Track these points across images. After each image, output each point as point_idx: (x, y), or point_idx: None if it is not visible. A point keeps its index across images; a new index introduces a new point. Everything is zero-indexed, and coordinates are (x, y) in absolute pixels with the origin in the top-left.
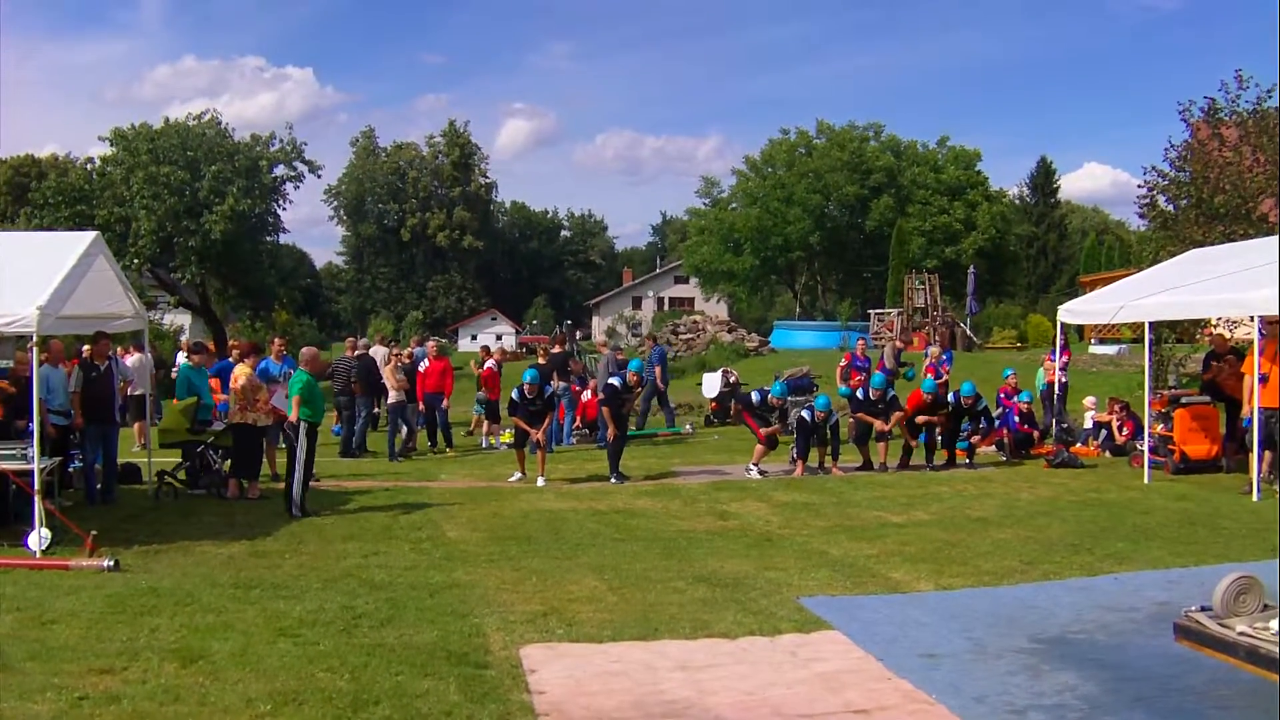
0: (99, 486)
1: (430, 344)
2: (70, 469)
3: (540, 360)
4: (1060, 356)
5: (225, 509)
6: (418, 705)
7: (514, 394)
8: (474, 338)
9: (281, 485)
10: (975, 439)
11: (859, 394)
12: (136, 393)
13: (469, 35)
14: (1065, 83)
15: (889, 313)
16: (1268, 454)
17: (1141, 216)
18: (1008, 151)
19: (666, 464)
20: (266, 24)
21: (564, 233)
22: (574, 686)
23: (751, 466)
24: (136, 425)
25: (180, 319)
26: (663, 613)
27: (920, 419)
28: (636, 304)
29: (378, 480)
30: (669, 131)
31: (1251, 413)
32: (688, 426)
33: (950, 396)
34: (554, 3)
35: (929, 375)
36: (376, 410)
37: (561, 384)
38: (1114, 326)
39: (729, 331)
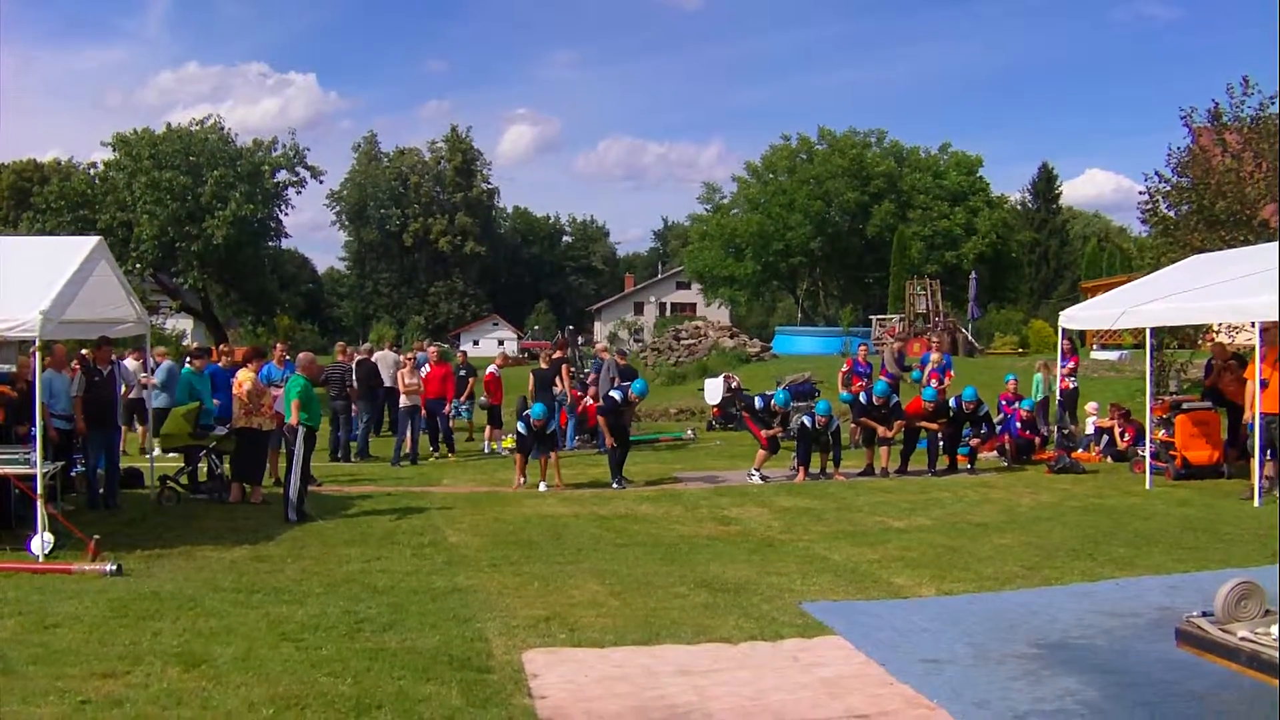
0: (101, 491)
1: (432, 349)
2: (72, 473)
3: (542, 365)
4: (1067, 362)
5: (227, 514)
6: (420, 710)
7: (520, 426)
8: (476, 343)
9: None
10: (976, 444)
11: (861, 399)
12: (138, 397)
13: (472, 42)
14: (1067, 89)
15: (890, 318)
16: (1269, 460)
17: (1144, 222)
18: (1010, 158)
19: (668, 469)
20: (269, 30)
21: (566, 238)
22: (576, 691)
23: (753, 472)
24: (141, 429)
25: (182, 324)
26: (664, 617)
27: (920, 425)
28: (638, 309)
29: (380, 485)
30: (671, 138)
31: (1253, 418)
32: (689, 432)
33: (951, 402)
34: (557, 10)
35: (932, 380)
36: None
37: (562, 390)
38: (1115, 332)
39: (731, 337)
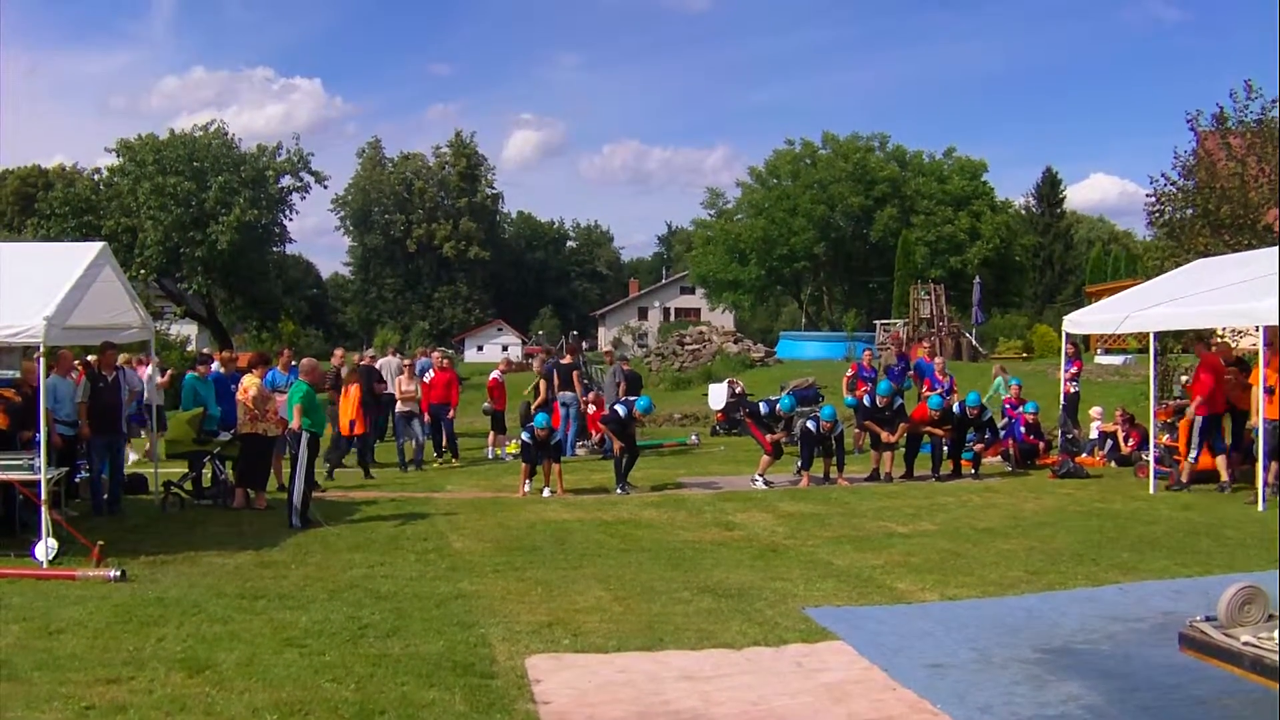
0: (105, 497)
1: (436, 354)
2: (76, 479)
3: (536, 368)
4: (1070, 366)
5: (232, 519)
6: (423, 716)
7: (525, 436)
8: (480, 348)
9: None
10: (980, 449)
11: (865, 401)
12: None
13: (477, 46)
14: (1072, 93)
15: (894, 323)
16: (1273, 464)
17: (1149, 224)
18: (1014, 162)
19: (672, 475)
20: (274, 35)
21: (570, 243)
22: (579, 697)
23: (757, 477)
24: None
25: (187, 329)
26: (668, 623)
27: (924, 430)
28: (643, 314)
29: (384, 491)
30: (676, 143)
31: (1258, 423)
32: (693, 437)
33: (955, 407)
34: (562, 14)
35: (939, 384)
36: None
37: (571, 394)
38: (1120, 337)
39: (735, 342)
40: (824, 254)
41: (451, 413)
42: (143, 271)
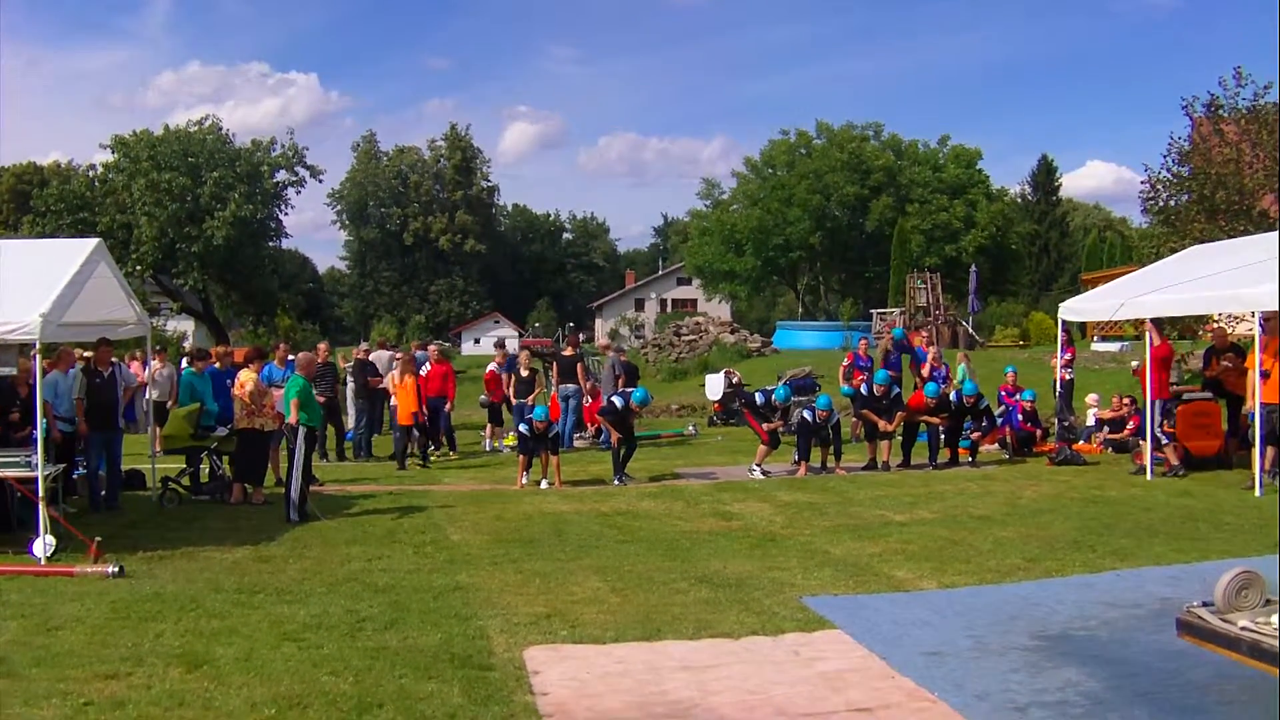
0: (103, 493)
1: (432, 348)
2: (74, 476)
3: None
4: (1064, 354)
5: (229, 514)
6: (421, 708)
7: (523, 428)
8: (477, 341)
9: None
10: (977, 437)
11: (862, 390)
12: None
13: (473, 39)
14: (1067, 81)
15: (891, 312)
16: (1270, 449)
17: (1145, 211)
18: (1010, 150)
19: (669, 465)
20: (270, 30)
21: (566, 235)
22: (577, 688)
23: (754, 467)
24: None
25: (183, 325)
26: (666, 613)
27: (921, 419)
28: (639, 306)
29: (381, 484)
30: (672, 134)
31: (1254, 408)
32: (690, 428)
33: (952, 396)
34: (558, 7)
35: (935, 373)
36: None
37: (573, 386)
38: (1116, 323)
39: (731, 332)
40: (820, 243)
41: (449, 405)
42: (138, 268)
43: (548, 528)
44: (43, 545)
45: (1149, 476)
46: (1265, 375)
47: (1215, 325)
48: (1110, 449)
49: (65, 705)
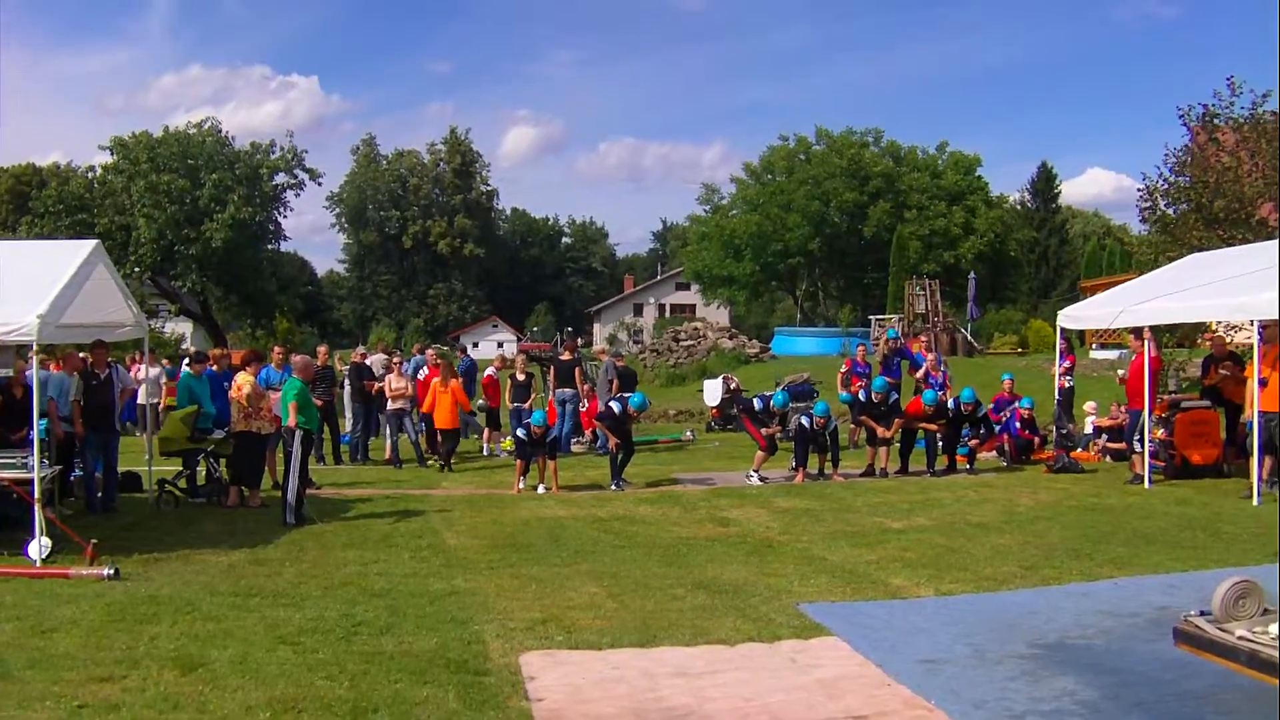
0: (99, 495)
1: (430, 352)
2: (71, 477)
3: (520, 365)
4: (1064, 361)
5: (226, 517)
6: (417, 713)
7: (520, 433)
8: (475, 345)
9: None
10: (975, 444)
11: (860, 396)
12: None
13: (474, 43)
14: (1067, 88)
15: (889, 318)
16: (1268, 458)
17: (1143, 220)
18: (1010, 157)
19: (667, 471)
20: (271, 33)
21: (565, 240)
22: (573, 694)
23: (752, 473)
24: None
25: (181, 327)
26: (662, 620)
27: (919, 426)
28: (638, 311)
29: (378, 488)
30: (672, 139)
31: (1252, 417)
32: (688, 433)
33: (950, 403)
34: (559, 10)
35: (932, 379)
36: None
37: (570, 391)
38: (1115, 331)
39: (730, 338)
40: (819, 249)
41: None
42: (137, 269)
43: (545, 533)
44: (38, 547)
45: (1147, 485)
46: (1263, 384)
47: (1213, 334)
48: (1109, 457)
49: (59, 708)
